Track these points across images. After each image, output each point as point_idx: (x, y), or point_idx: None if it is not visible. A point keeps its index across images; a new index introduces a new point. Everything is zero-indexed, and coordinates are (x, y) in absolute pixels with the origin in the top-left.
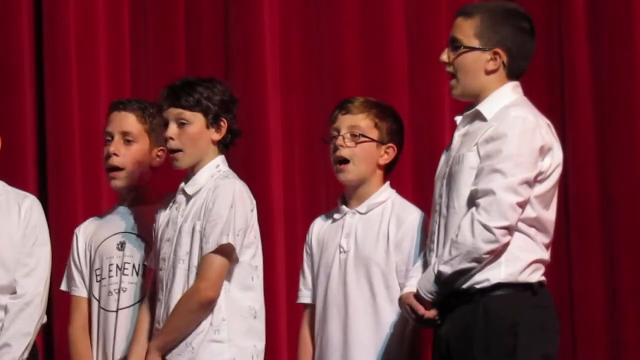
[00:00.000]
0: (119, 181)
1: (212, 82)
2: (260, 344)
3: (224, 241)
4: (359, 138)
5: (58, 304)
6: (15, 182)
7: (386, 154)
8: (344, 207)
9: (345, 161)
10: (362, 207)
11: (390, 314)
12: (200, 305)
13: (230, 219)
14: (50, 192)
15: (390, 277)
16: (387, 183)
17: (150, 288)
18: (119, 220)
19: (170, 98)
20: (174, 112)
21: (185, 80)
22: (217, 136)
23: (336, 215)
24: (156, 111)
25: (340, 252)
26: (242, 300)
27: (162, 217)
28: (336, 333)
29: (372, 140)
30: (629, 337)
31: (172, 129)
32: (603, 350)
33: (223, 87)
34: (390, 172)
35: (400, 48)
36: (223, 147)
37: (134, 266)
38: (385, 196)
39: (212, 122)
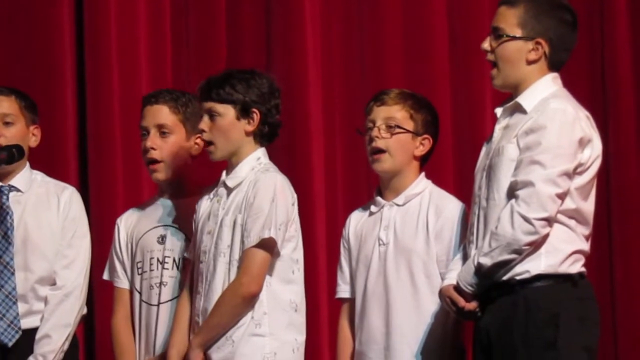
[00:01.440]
0: (160, 174)
1: (251, 74)
2: (301, 338)
3: (266, 235)
4: (394, 129)
5: (99, 295)
6: (56, 173)
7: (422, 145)
8: (380, 199)
9: (380, 151)
10: (400, 199)
11: (432, 304)
12: (243, 300)
13: (272, 213)
14: (91, 183)
15: (431, 266)
16: (423, 174)
17: (189, 279)
18: (160, 213)
19: (204, 91)
20: (206, 105)
21: (223, 73)
22: (250, 127)
23: (373, 208)
24: (189, 99)
25: (379, 244)
26: (283, 293)
27: (203, 209)
28: (377, 325)
29: (408, 131)
30: None
31: (205, 122)
32: None
33: (262, 79)
34: (425, 164)
35: (442, 40)
36: (261, 138)
37: (174, 260)
38: (422, 187)
39: (243, 113)
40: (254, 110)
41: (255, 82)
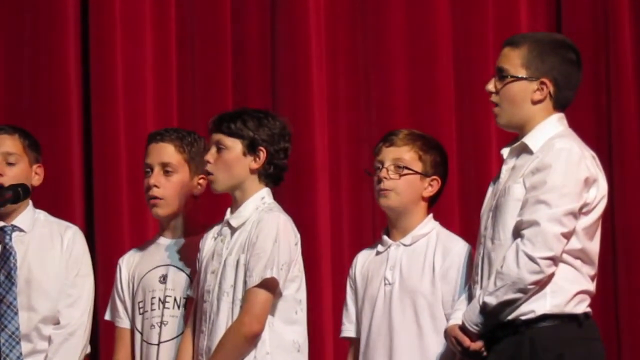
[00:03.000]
0: (161, 209)
1: (264, 114)
2: None
3: (268, 275)
4: (402, 170)
5: (104, 334)
6: (62, 212)
7: (430, 187)
8: (387, 239)
9: (389, 190)
10: (407, 239)
11: (436, 345)
12: (245, 339)
13: (274, 253)
14: (97, 223)
15: (437, 308)
16: (431, 215)
17: (191, 318)
18: (162, 252)
19: (215, 124)
20: (215, 137)
21: (238, 109)
22: (255, 165)
23: (380, 248)
24: (194, 139)
25: (385, 284)
26: (286, 334)
27: (207, 248)
28: None
29: (416, 172)
30: None
31: (211, 153)
32: None
33: (275, 120)
34: (434, 205)
35: (447, 80)
36: (266, 178)
37: (175, 299)
38: (429, 228)
39: (250, 150)
40: (261, 148)
41: (267, 122)
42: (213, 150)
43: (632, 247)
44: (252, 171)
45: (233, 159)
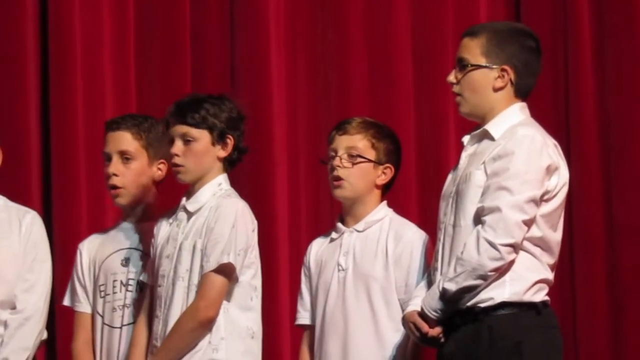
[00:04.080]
0: (122, 198)
1: (220, 99)
2: None
3: (225, 260)
4: (356, 159)
5: (61, 320)
6: (19, 198)
7: (383, 174)
8: (341, 226)
9: (342, 179)
10: (360, 225)
11: (390, 330)
12: (200, 324)
13: (232, 239)
14: (55, 208)
15: (390, 293)
16: (384, 202)
17: (146, 303)
18: (124, 236)
19: (176, 115)
20: (179, 129)
21: (193, 96)
22: (223, 153)
23: (334, 235)
24: (151, 124)
25: (338, 270)
26: (241, 320)
27: (162, 233)
28: (336, 351)
29: (369, 160)
30: (632, 357)
31: (178, 146)
32: None
33: (231, 104)
34: (387, 192)
35: (406, 67)
36: (228, 164)
37: (137, 282)
38: (382, 214)
39: (218, 139)
40: (229, 136)
41: (225, 107)
42: (179, 142)
43: (590, 236)
44: (219, 159)
45: (202, 150)
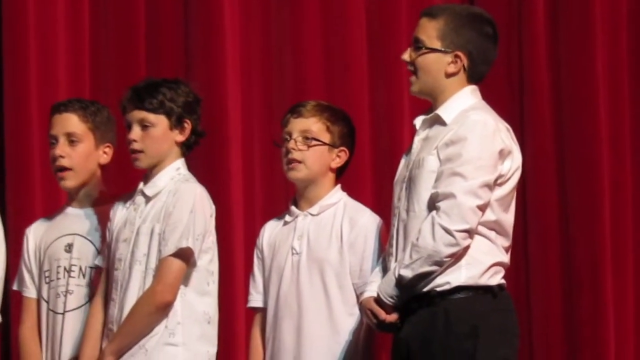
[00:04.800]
0: (69, 181)
1: (176, 83)
2: (213, 350)
3: (184, 245)
4: (310, 141)
5: (16, 304)
6: None
7: (338, 158)
8: (295, 209)
9: (297, 161)
10: (314, 209)
11: (344, 315)
12: (156, 308)
13: (190, 223)
14: (8, 193)
15: (344, 277)
16: (339, 186)
17: (101, 287)
18: (68, 222)
19: (133, 100)
20: (137, 114)
21: (148, 81)
22: (180, 137)
23: (287, 218)
24: (98, 108)
25: (292, 253)
26: (198, 305)
27: (119, 217)
28: (289, 335)
29: (324, 143)
30: (586, 340)
31: (136, 132)
32: (561, 353)
33: (187, 88)
34: (341, 176)
35: (361, 50)
36: (185, 148)
37: (80, 268)
38: (337, 198)
39: (176, 124)
40: (186, 120)
41: (182, 91)
42: (137, 128)
43: (543, 219)
44: (177, 144)
45: (160, 135)
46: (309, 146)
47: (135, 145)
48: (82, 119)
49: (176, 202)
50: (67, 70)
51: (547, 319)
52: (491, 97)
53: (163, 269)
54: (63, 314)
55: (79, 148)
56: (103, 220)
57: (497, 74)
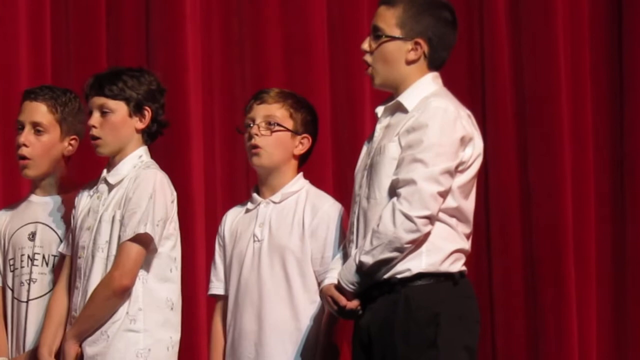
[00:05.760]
0: (30, 170)
1: (139, 72)
2: (176, 336)
3: (142, 230)
4: (274, 127)
5: None
6: None
7: (301, 145)
8: (257, 196)
9: (260, 147)
10: (276, 197)
11: (305, 302)
12: (114, 293)
13: (149, 209)
14: None
15: (305, 264)
16: (301, 174)
17: (64, 275)
18: (31, 210)
19: (94, 87)
20: (97, 101)
21: (111, 69)
22: (140, 125)
23: (250, 206)
24: (69, 98)
25: (254, 241)
26: (160, 291)
27: (82, 205)
28: (250, 322)
29: (287, 129)
30: (548, 327)
31: (95, 118)
32: (522, 340)
33: (151, 76)
34: (304, 163)
35: (321, 37)
36: (147, 137)
37: (43, 257)
38: (299, 186)
39: (135, 110)
40: (146, 108)
41: (144, 80)
42: (97, 114)
43: (505, 206)
44: (137, 131)
45: (119, 121)
46: (272, 131)
47: (94, 132)
48: (51, 110)
49: (136, 188)
50: (28, 59)
51: (509, 306)
52: (453, 84)
53: (121, 254)
54: (27, 302)
55: (43, 138)
56: (67, 208)
57: (458, 60)
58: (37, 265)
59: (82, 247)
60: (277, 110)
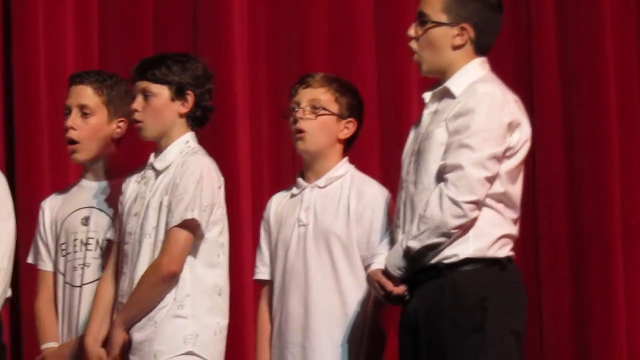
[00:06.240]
0: (79, 154)
1: (185, 57)
2: (224, 322)
3: (189, 216)
4: (319, 111)
5: (25, 278)
6: None
7: (346, 129)
8: (302, 181)
9: (304, 131)
10: (321, 181)
11: (352, 287)
12: (162, 279)
13: (197, 195)
14: (18, 166)
15: (351, 249)
16: (346, 158)
17: (112, 261)
18: (84, 195)
19: (138, 71)
20: (140, 85)
21: (158, 55)
22: (183, 109)
23: (295, 190)
24: (115, 82)
25: (299, 225)
26: (207, 277)
27: (130, 191)
28: (297, 307)
29: (332, 113)
30: (595, 312)
31: (138, 101)
32: (569, 325)
33: (197, 62)
34: (349, 148)
35: (368, 24)
36: (193, 122)
37: (97, 241)
38: (344, 170)
39: (177, 95)
40: (189, 92)
41: (190, 65)
42: (140, 98)
43: (553, 192)
44: (180, 115)
45: (161, 105)
46: (317, 115)
47: (137, 115)
48: (97, 92)
49: (183, 174)
50: (75, 48)
51: (556, 290)
52: (499, 69)
53: (169, 240)
54: (80, 286)
55: (90, 121)
56: (118, 193)
57: (506, 44)
58: (90, 250)
59: (129, 234)
60: (322, 94)
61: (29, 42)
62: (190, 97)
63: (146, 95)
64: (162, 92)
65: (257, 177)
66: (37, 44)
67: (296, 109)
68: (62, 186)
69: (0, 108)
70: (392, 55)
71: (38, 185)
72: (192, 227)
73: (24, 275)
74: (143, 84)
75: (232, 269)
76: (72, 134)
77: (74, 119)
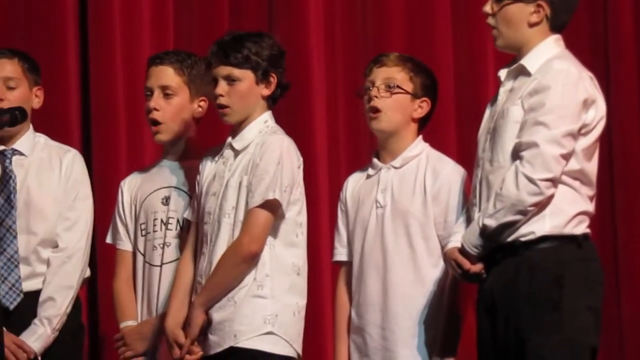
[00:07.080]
0: (162, 135)
1: (260, 37)
2: (302, 302)
3: (270, 196)
4: (394, 89)
5: (102, 258)
6: (59, 136)
7: (420, 108)
8: (377, 162)
9: (378, 110)
10: (397, 162)
11: (429, 266)
12: (243, 260)
13: (277, 175)
14: (95, 146)
15: (429, 228)
16: (420, 137)
17: (191, 240)
18: (164, 175)
19: (219, 55)
20: (223, 70)
21: (233, 35)
22: (266, 91)
23: (370, 171)
24: (195, 61)
25: (377, 207)
26: (286, 256)
27: (208, 170)
28: (375, 288)
29: (407, 92)
30: None
31: (222, 87)
32: None
33: (271, 40)
34: (424, 128)
35: (444, 2)
36: (272, 101)
37: (178, 221)
38: (419, 149)
39: (262, 78)
40: (272, 74)
41: (266, 44)
42: (223, 83)
43: (629, 168)
44: (263, 98)
45: (247, 89)
46: (392, 94)
47: (222, 100)
48: (178, 72)
49: (263, 154)
50: (151, 25)
51: (634, 267)
52: (575, 47)
53: (250, 220)
54: (160, 266)
55: (173, 101)
56: (197, 173)
57: (581, 23)
58: (171, 230)
59: (208, 213)
60: (397, 73)
61: (105, 23)
62: (274, 79)
63: (231, 80)
64: (246, 76)
65: (334, 156)
66: (113, 24)
67: (370, 88)
68: (139, 166)
69: (77, 89)
70: (468, 34)
71: (115, 166)
72: (272, 207)
73: (101, 255)
74: (226, 69)
75: (309, 248)
76: (155, 115)
77: (156, 100)
